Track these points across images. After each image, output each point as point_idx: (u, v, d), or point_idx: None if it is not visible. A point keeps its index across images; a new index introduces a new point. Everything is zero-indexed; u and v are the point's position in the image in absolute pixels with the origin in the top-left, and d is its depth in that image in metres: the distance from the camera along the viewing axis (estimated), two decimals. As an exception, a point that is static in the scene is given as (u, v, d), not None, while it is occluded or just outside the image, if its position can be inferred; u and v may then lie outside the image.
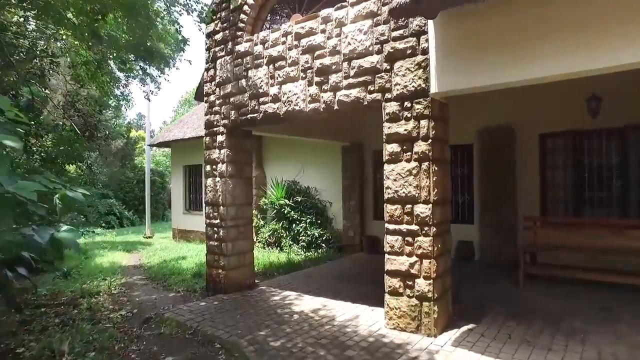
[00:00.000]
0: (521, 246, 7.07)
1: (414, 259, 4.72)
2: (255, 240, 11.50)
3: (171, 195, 16.50)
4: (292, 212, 10.92)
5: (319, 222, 10.88)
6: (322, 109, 5.52)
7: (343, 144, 10.54)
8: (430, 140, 4.66)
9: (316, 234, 10.58)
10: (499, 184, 8.51)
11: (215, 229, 6.77)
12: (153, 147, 18.77)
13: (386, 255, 4.99)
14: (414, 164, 4.74)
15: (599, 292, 6.09)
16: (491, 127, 8.69)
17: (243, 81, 6.43)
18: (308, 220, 10.80)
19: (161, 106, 61.20)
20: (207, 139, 6.97)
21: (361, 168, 10.48)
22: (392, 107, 4.90)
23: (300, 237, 10.73)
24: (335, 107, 5.39)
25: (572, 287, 6.39)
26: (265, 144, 12.42)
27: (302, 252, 10.51)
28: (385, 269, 5.00)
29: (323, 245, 10.58)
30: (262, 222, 11.78)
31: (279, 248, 11.02)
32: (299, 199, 10.97)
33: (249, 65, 6.37)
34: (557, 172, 8.35)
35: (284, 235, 10.96)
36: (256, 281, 7.40)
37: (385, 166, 4.99)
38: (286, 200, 10.99)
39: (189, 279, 7.85)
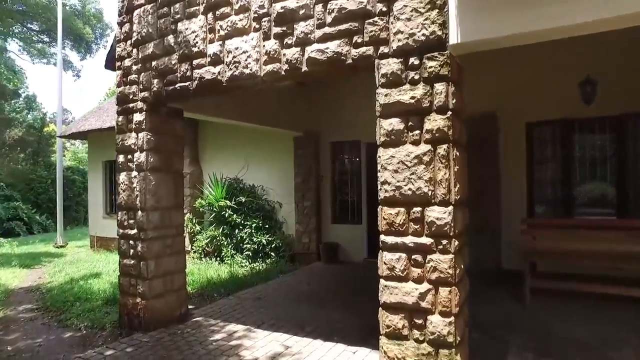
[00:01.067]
0: (524, 254, 5.88)
1: (426, 286, 3.24)
2: (189, 249, 9.58)
3: (88, 196, 13.94)
4: (235, 216, 9.14)
5: (267, 226, 9.19)
6: (283, 72, 3.89)
7: (295, 134, 8.94)
8: (449, 113, 3.21)
9: (263, 241, 8.89)
10: (480, 180, 7.34)
11: (132, 242, 4.90)
12: (67, 139, 15.97)
13: (382, 282, 3.47)
14: (425, 147, 3.26)
15: (620, 309, 5.02)
16: (471, 115, 7.49)
17: (170, 38, 4.63)
18: (254, 225, 9.07)
19: (88, 101, 55.85)
20: (121, 118, 5.05)
21: (317, 163, 8.93)
22: (390, 65, 3.39)
23: (245, 245, 8.98)
24: (304, 68, 3.79)
25: (585, 302, 5.29)
26: (202, 133, 10.48)
27: (247, 263, 8.77)
28: (381, 302, 3.47)
29: (272, 254, 8.91)
30: (198, 228, 9.85)
31: (219, 259, 9.18)
32: (243, 200, 9.21)
33: (178, 16, 4.57)
34: (545, 166, 7.34)
35: (225, 243, 9.14)
36: (190, 307, 5.60)
37: (381, 151, 3.48)
38: (227, 202, 9.19)
39: (98, 307, 5.85)
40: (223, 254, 9.08)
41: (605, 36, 3.83)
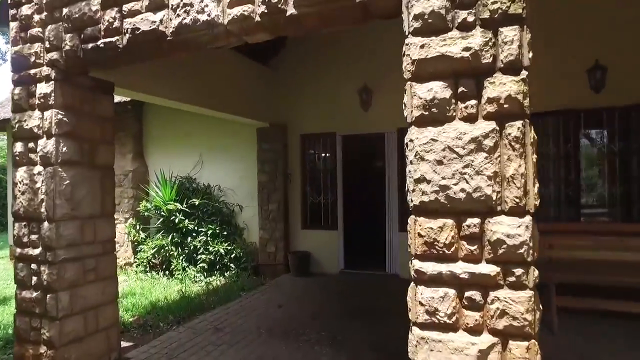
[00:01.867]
0: (548, 267, 4.91)
1: (488, 338, 2.10)
2: (132, 262, 8.04)
3: (8, 197, 11.86)
4: (187, 221, 7.71)
5: (226, 233, 7.83)
6: (259, 17, 2.63)
7: (260, 125, 7.64)
8: (524, 74, 2.09)
9: (221, 251, 7.53)
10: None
11: (34, 266, 3.45)
12: (-15, 133, 13.69)
13: (415, 332, 2.28)
14: (486, 125, 2.12)
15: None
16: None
17: (90, -25, 3.24)
18: (209, 232, 7.69)
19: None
20: (18, 90, 3.57)
21: (284, 159, 7.68)
22: (427, 3, 2.22)
23: (199, 256, 7.59)
24: (290, 10, 2.54)
25: (618, 322, 4.41)
26: (148, 121, 8.91)
27: (203, 277, 7.39)
28: (413, 360, 2.29)
29: (231, 265, 7.57)
30: (143, 236, 8.31)
31: (168, 272, 7.72)
32: (197, 202, 7.79)
33: (102, -56, 3.19)
34: (546, 162, 6.49)
35: (175, 253, 7.70)
36: (126, 346, 4.21)
37: (414, 132, 2.27)
38: (178, 204, 7.74)
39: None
40: (173, 266, 7.63)
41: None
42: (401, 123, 6.73)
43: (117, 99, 6.14)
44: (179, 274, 7.45)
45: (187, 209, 7.75)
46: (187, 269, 7.58)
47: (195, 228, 7.76)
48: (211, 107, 6.07)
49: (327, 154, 7.67)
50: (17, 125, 3.55)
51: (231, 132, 8.09)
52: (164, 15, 2.92)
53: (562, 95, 6.06)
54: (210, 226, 7.74)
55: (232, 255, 7.60)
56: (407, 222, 2.32)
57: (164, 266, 7.83)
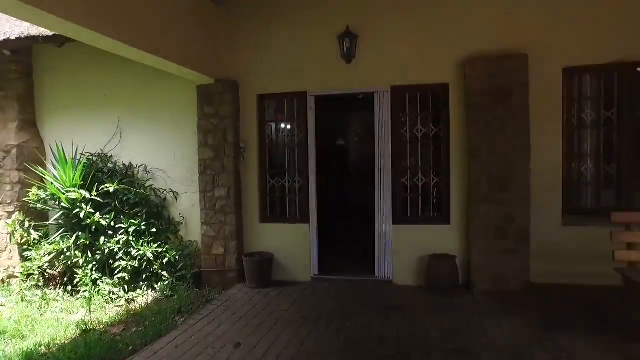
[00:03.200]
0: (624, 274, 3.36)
1: None
2: (17, 273, 5.75)
3: None
4: (98, 215, 5.51)
5: (155, 230, 5.72)
6: None
7: (201, 82, 5.54)
8: None
9: (149, 254, 5.44)
10: (500, 155, 4.77)
11: None
12: None
13: None
14: None
15: None
16: (486, 55, 4.86)
17: None
18: (132, 229, 5.55)
19: None
20: None
21: (236, 128, 5.64)
22: None
23: (117, 263, 5.45)
24: None
25: None
26: (40, 79, 6.42)
27: (123, 293, 5.30)
28: None
29: (164, 274, 5.51)
30: (34, 237, 5.95)
31: (71, 288, 5.51)
32: (112, 189, 5.59)
33: None
34: (586, 132, 5.01)
35: (82, 260, 5.48)
36: None
37: None
38: (84, 192, 5.50)
39: None
40: (78, 279, 5.42)
41: None
42: (396, 78, 4.89)
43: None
44: (86, 290, 5.26)
45: (98, 199, 5.53)
46: (99, 282, 5.41)
47: (111, 224, 5.57)
48: (129, 42, 3.90)
49: (295, 122, 5.72)
50: None
51: (161, 91, 5.90)
52: None
53: (613, 46, 4.59)
54: (132, 221, 5.59)
55: (165, 260, 5.54)
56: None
57: (65, 279, 5.60)
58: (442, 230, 5.20)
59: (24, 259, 5.83)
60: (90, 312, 4.61)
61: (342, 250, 6.76)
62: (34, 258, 5.66)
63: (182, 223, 5.95)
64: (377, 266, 5.38)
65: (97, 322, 4.37)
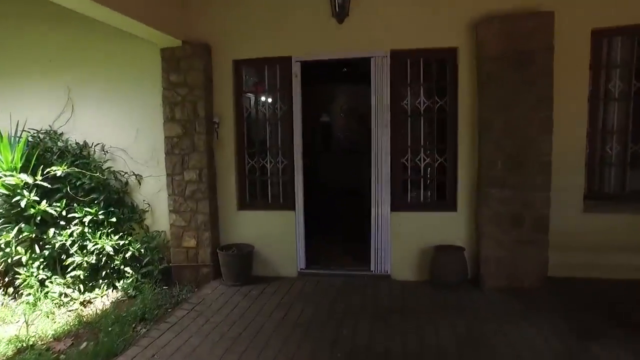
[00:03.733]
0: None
1: None
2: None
3: None
4: (44, 203, 4.64)
5: (115, 220, 4.90)
6: None
7: (166, 44, 4.67)
8: None
9: (108, 248, 4.64)
10: (517, 130, 4.11)
11: None
12: None
13: None
14: None
15: None
16: (503, 14, 4.12)
17: None
18: (88, 219, 4.72)
19: None
20: None
21: (208, 99, 4.80)
22: None
23: (70, 259, 4.63)
24: None
25: None
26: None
27: (77, 295, 4.52)
28: None
29: (127, 270, 4.74)
30: (-30, 227, 5.06)
31: (13, 291, 4.67)
32: (61, 172, 4.71)
33: None
34: (613, 105, 4.39)
35: (27, 258, 4.64)
36: None
37: None
38: (26, 176, 4.61)
39: None
40: (22, 280, 4.58)
41: None
42: (396, 42, 4.00)
43: None
44: (33, 294, 4.44)
45: (46, 184, 4.66)
46: (48, 282, 4.59)
47: (63, 214, 4.73)
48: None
49: (278, 92, 4.92)
50: None
51: (121, 56, 4.99)
52: None
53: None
54: (88, 210, 4.75)
55: (128, 255, 4.75)
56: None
57: (7, 280, 4.76)
58: (448, 218, 4.56)
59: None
60: (27, 324, 3.79)
61: (332, 239, 6.08)
62: (-32, 255, 4.79)
63: (147, 211, 5.13)
64: (373, 258, 4.72)
65: (38, 336, 3.59)
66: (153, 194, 5.09)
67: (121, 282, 4.70)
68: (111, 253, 4.68)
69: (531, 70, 3.99)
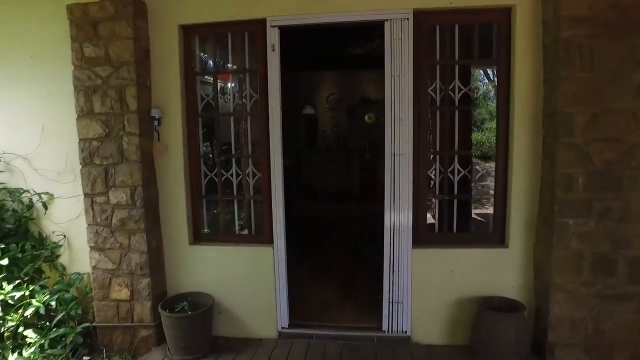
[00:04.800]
0: None
1: None
2: None
3: None
4: None
5: (10, 261, 3.36)
6: None
7: (74, 0, 3.10)
8: None
9: (-1, 303, 3.11)
10: (612, 132, 2.69)
11: None
12: None
13: None
14: None
15: None
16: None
17: None
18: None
19: None
20: None
21: (142, 82, 3.26)
22: None
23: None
24: None
25: None
26: None
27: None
28: None
29: (28, 336, 3.21)
30: None
31: None
32: None
33: None
34: None
35: None
36: None
37: None
38: None
39: None
40: None
41: None
42: None
43: None
44: None
45: None
46: None
47: None
48: None
49: (247, 74, 3.40)
50: None
51: (8, 22, 3.40)
52: None
53: None
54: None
55: (30, 312, 3.22)
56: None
57: None
58: (494, 256, 3.15)
59: None
60: None
61: (323, 274, 4.64)
62: None
63: (60, 245, 3.59)
64: (387, 313, 3.29)
65: None
66: (70, 220, 3.54)
67: (16, 355, 3.17)
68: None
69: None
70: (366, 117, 8.43)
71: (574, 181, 2.74)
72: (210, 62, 3.49)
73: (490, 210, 3.55)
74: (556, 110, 2.74)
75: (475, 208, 5.68)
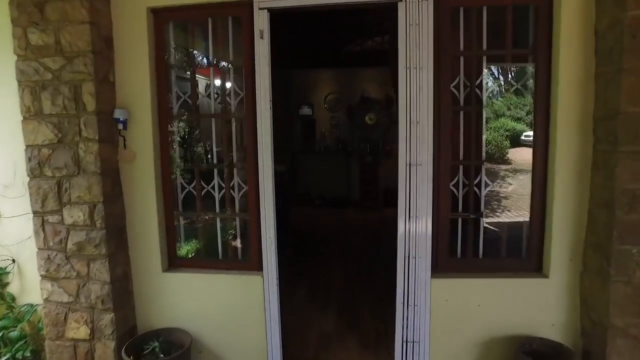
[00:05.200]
0: None
1: None
2: None
3: None
4: None
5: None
6: None
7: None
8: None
9: None
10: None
11: None
12: None
13: None
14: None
15: None
16: None
17: None
18: None
19: None
20: None
21: (104, 77, 2.70)
22: None
23: None
24: None
25: None
26: None
27: None
28: None
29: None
30: None
31: None
32: None
33: None
34: None
35: None
36: None
37: None
38: None
39: None
40: None
41: None
42: None
43: None
44: None
45: None
46: None
47: None
48: None
49: (231, 66, 2.83)
50: None
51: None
52: None
53: None
54: None
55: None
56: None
57: None
58: (530, 288, 2.59)
59: None
60: None
61: (320, 293, 4.08)
62: None
63: (8, 272, 3.01)
64: (400, 355, 2.71)
65: None
66: (21, 242, 2.97)
67: (-52, 410, 2.60)
68: None
69: None
70: (367, 118, 7.88)
71: (636, 196, 2.19)
72: (188, 54, 2.91)
73: (504, 218, 3.02)
74: (616, 111, 2.18)
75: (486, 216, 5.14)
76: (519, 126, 13.88)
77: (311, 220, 7.08)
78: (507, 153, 11.65)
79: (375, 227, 6.61)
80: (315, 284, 4.32)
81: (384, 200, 7.49)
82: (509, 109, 14.58)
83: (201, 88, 3.03)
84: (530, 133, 2.83)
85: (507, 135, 12.60)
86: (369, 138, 7.83)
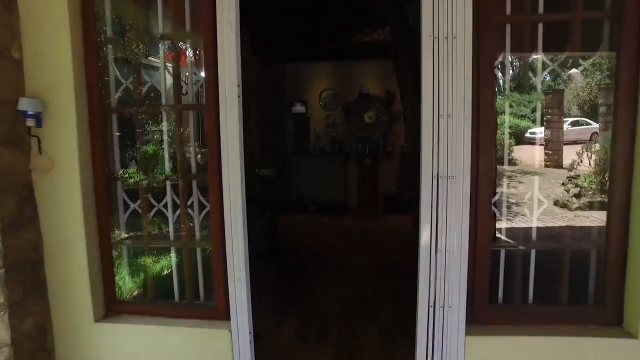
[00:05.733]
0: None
1: None
2: None
3: None
4: None
5: None
6: None
7: None
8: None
9: None
10: None
11: None
12: None
13: None
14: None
15: None
16: None
17: None
18: None
19: None
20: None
21: (6, 64, 1.93)
22: None
23: None
24: None
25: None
26: None
27: None
28: None
29: None
30: None
31: None
32: None
33: None
34: None
35: None
36: None
37: None
38: None
39: None
40: None
41: None
42: None
43: None
44: None
45: None
46: None
47: None
48: None
49: (186, 41, 2.07)
50: None
51: None
52: None
53: None
54: None
55: None
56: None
57: None
58: (607, 348, 1.85)
59: None
60: None
61: (312, 327, 3.31)
62: None
63: None
64: None
65: None
66: None
67: None
68: None
69: None
70: (366, 117, 7.17)
71: None
72: (129, 25, 2.13)
73: (518, 224, 2.29)
74: None
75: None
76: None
77: (304, 230, 6.34)
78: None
79: (376, 236, 5.95)
80: (306, 312, 3.55)
81: (385, 206, 6.89)
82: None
83: (147, 71, 2.27)
84: (534, 130, 2.08)
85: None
86: (368, 138, 7.15)
